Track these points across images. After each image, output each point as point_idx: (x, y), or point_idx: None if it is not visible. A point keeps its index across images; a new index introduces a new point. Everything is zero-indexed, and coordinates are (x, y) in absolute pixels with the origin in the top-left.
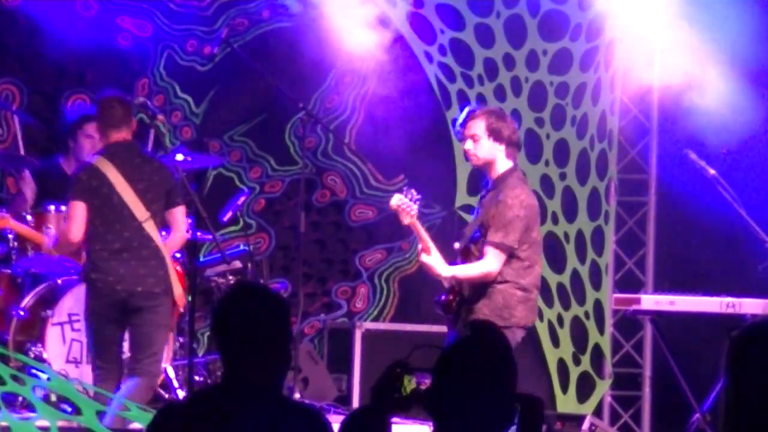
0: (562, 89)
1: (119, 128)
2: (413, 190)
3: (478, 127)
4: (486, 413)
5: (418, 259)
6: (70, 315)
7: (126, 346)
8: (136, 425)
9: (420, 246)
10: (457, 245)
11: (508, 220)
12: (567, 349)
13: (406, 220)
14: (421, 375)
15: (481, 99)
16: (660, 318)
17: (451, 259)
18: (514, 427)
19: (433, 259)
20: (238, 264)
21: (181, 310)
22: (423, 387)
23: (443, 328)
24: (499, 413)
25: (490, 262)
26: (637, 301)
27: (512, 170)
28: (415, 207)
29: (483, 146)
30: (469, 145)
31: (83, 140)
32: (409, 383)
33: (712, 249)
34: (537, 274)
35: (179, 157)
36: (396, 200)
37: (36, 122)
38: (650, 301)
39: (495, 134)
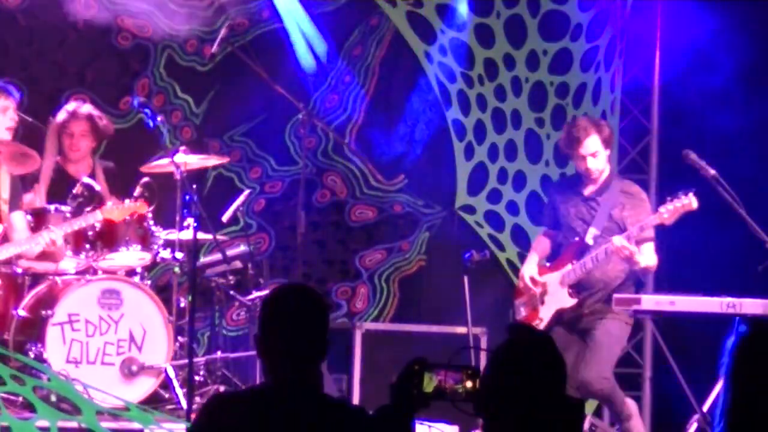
0: (563, 89)
1: None
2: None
3: (595, 143)
4: (535, 413)
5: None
6: (70, 315)
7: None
8: (135, 425)
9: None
10: (591, 240)
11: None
12: None
13: None
14: (443, 372)
15: (481, 99)
16: (660, 318)
17: (455, 259)
18: None
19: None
20: (238, 264)
21: None
22: (445, 384)
23: (444, 329)
24: (547, 414)
25: (654, 256)
26: (638, 302)
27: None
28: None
29: (603, 159)
30: (591, 163)
31: (65, 138)
32: (431, 380)
33: (712, 249)
34: None
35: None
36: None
37: (36, 122)
38: (650, 301)
39: (608, 143)
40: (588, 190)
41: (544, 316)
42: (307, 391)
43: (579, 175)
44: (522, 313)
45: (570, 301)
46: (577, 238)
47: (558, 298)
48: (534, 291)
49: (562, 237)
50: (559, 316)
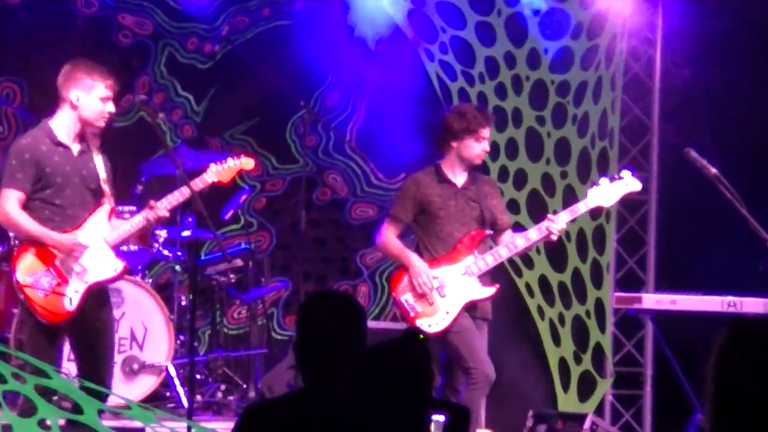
0: (563, 88)
1: None
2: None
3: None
4: (397, 421)
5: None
6: None
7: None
8: (136, 423)
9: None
10: (489, 231)
11: None
12: (568, 348)
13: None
14: None
15: (482, 97)
16: (661, 317)
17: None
18: None
19: None
20: (239, 262)
21: None
22: None
23: None
24: (411, 423)
25: None
26: (639, 300)
27: None
28: None
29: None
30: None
31: None
32: None
33: (713, 248)
34: None
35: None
36: None
37: (36, 120)
38: (651, 300)
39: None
40: (460, 182)
41: (450, 309)
42: (333, 397)
43: (438, 168)
44: (416, 308)
45: (487, 291)
46: (485, 230)
47: (467, 290)
48: (429, 285)
49: (438, 228)
50: (468, 308)
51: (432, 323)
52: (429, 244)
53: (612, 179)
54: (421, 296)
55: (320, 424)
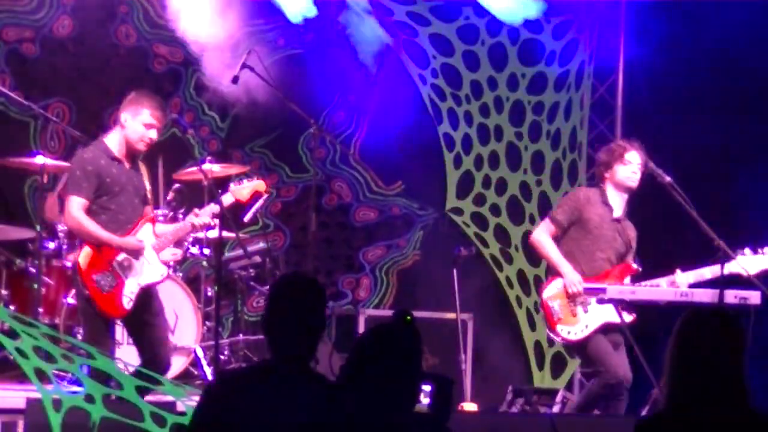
0: (539, 107)
1: None
2: None
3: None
4: (390, 391)
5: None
6: None
7: None
8: (169, 397)
9: None
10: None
11: None
12: (542, 332)
13: None
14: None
15: (468, 116)
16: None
17: (446, 254)
18: (427, 401)
19: None
20: (257, 258)
21: None
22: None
23: (436, 314)
24: (402, 392)
25: None
26: (603, 291)
27: None
28: None
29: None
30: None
31: None
32: None
33: (668, 246)
34: None
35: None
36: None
37: (83, 136)
38: (615, 290)
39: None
40: (618, 211)
41: (589, 324)
42: (298, 366)
43: (603, 192)
44: (560, 314)
45: (626, 318)
46: (635, 266)
47: (607, 312)
48: (580, 297)
49: (586, 243)
50: (605, 328)
51: (571, 331)
52: (573, 254)
53: (755, 251)
54: (569, 305)
55: (274, 393)
